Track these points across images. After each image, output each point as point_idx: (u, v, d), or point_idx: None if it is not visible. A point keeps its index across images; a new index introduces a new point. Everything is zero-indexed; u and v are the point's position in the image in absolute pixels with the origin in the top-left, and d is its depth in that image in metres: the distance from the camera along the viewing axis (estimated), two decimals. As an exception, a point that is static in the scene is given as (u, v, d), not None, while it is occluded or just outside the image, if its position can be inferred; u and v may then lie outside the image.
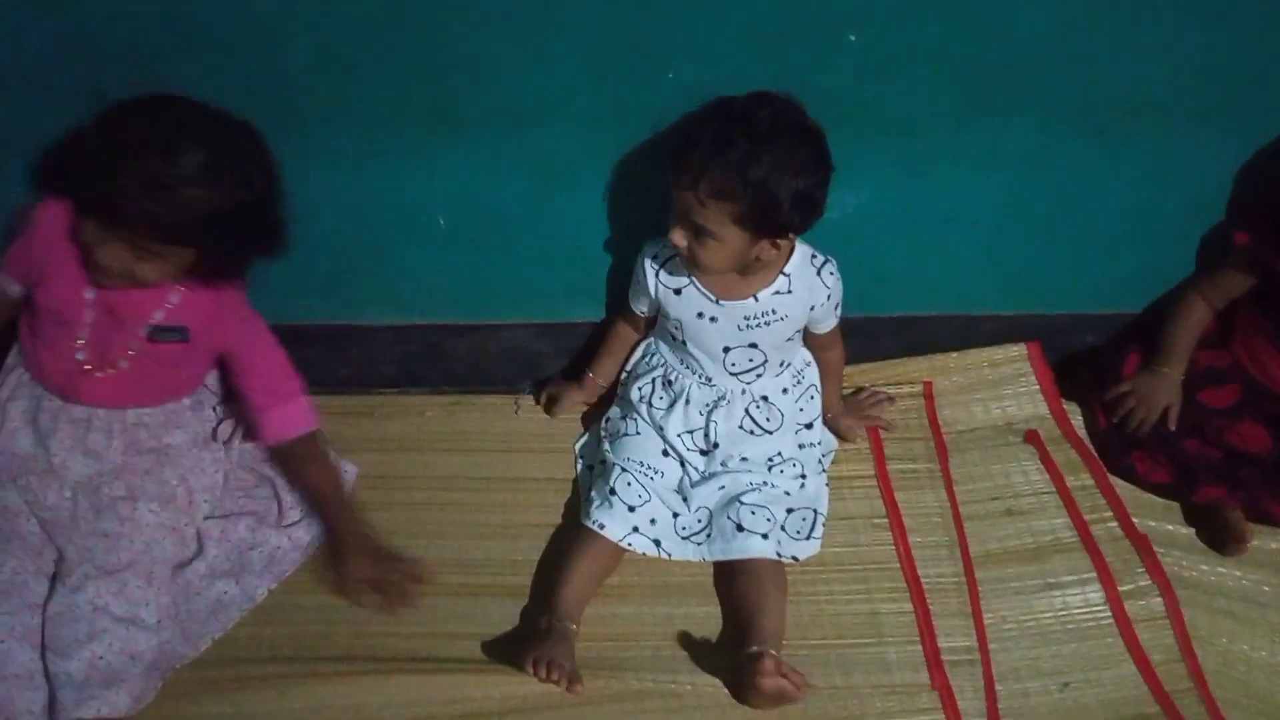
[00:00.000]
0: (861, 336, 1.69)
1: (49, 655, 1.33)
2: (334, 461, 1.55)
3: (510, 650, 1.42)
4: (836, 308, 1.54)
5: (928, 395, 1.73)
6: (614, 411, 1.67)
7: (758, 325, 1.49)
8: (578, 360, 1.77)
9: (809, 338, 1.59)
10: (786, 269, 1.47)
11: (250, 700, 1.38)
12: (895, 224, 1.61)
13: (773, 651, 1.36)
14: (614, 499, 1.51)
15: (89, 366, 1.44)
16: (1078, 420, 1.72)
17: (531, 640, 1.39)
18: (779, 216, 1.35)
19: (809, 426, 1.61)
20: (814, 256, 1.50)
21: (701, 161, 1.31)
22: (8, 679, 1.31)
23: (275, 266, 1.63)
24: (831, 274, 1.50)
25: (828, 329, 1.56)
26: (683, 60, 1.40)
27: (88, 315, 1.42)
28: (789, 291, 1.48)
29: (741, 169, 1.30)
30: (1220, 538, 1.55)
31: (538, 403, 1.74)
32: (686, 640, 1.47)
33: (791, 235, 1.42)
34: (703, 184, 1.32)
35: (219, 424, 1.56)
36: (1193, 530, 1.59)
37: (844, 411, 1.67)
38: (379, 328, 1.74)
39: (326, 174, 1.52)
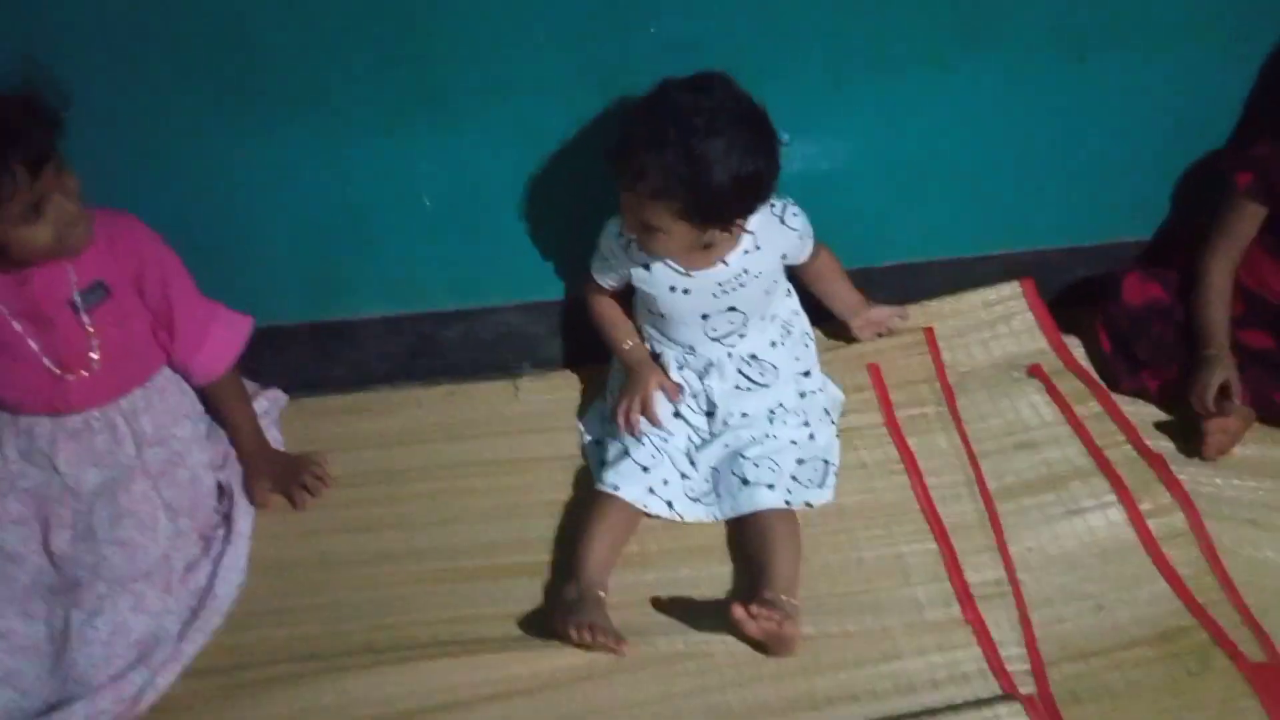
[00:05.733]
0: (858, 289, 1.68)
1: (68, 683, 1.30)
2: (249, 395, 1.60)
3: (540, 626, 1.40)
4: (810, 238, 1.53)
5: (930, 340, 1.73)
6: (615, 384, 1.65)
7: (733, 289, 1.49)
8: (573, 342, 1.76)
9: (794, 268, 1.58)
10: (750, 227, 1.46)
11: (272, 702, 1.35)
12: (883, 170, 1.61)
13: (767, 596, 1.35)
14: (626, 460, 1.50)
15: (66, 374, 1.40)
16: (1079, 352, 1.72)
17: (563, 610, 1.37)
18: (724, 210, 1.35)
19: (807, 375, 1.60)
20: (773, 205, 1.48)
21: (639, 162, 1.31)
22: None
23: (260, 266, 1.63)
24: (794, 215, 1.50)
25: (806, 257, 1.56)
26: (664, 14, 1.40)
27: (19, 326, 1.37)
28: (757, 249, 1.47)
29: (677, 169, 1.30)
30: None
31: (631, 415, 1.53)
32: (713, 601, 1.44)
33: (740, 222, 1.41)
34: (640, 185, 1.32)
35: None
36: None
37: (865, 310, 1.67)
38: (370, 321, 1.71)
39: (307, 162, 1.51)
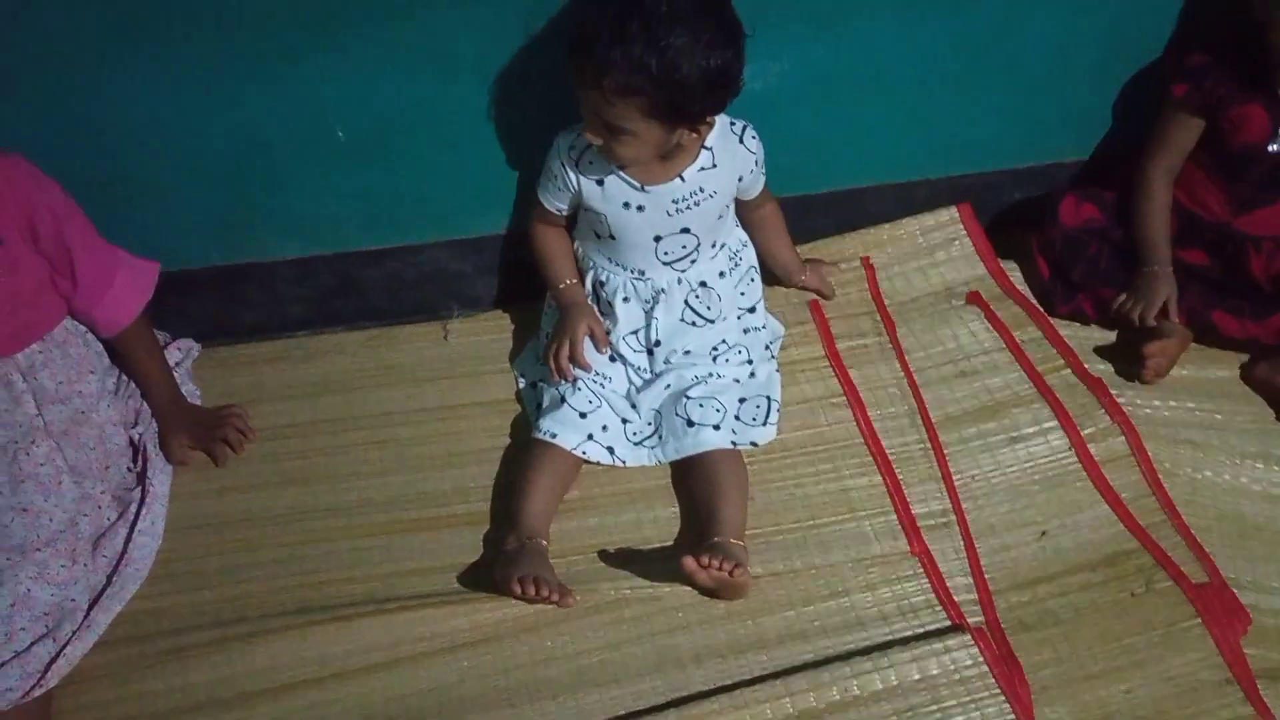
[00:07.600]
0: (795, 217, 1.63)
1: None
2: (160, 346, 1.52)
3: (480, 579, 1.35)
4: (763, 170, 1.49)
5: (868, 269, 1.69)
6: (547, 323, 1.58)
7: (688, 207, 1.43)
8: (503, 280, 1.68)
9: (741, 206, 1.53)
10: (708, 143, 1.41)
11: (198, 669, 1.29)
12: (818, 90, 1.55)
13: (716, 542, 1.32)
14: (563, 407, 1.44)
15: None
16: (1016, 276, 1.70)
17: (504, 562, 1.32)
18: (694, 105, 1.29)
19: (751, 310, 1.56)
20: (732, 124, 1.44)
21: (601, 58, 1.23)
22: None
23: (161, 208, 1.51)
24: (753, 138, 1.46)
25: (757, 192, 1.51)
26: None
27: None
28: (714, 166, 1.42)
29: (644, 62, 1.22)
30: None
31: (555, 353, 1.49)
32: (658, 544, 1.41)
33: (711, 119, 1.35)
34: (606, 81, 1.24)
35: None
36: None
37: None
38: (282, 263, 1.61)
39: (203, 94, 1.39)
